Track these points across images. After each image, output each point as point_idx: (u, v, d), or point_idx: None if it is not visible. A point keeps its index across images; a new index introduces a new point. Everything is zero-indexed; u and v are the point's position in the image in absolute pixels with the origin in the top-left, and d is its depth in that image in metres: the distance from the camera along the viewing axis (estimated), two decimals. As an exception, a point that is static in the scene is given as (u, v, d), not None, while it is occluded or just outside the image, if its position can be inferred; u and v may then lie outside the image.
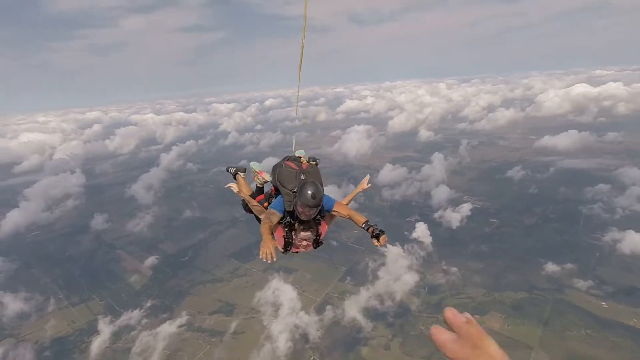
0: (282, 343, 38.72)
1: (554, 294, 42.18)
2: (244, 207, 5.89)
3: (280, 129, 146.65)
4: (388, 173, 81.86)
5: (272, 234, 4.71)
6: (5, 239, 66.68)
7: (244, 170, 6.40)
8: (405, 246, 53.29)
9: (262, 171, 5.95)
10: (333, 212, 5.06)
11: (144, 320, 43.96)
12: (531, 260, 48.50)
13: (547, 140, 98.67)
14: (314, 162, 5.55)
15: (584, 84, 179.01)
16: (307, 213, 4.54)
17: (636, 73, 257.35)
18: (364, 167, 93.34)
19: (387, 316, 41.91)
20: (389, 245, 50.96)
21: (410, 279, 46.85)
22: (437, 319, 38.64)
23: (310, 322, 41.28)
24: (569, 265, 45.97)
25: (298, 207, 4.55)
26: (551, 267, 46.20)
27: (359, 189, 5.86)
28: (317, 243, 4.97)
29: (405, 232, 57.10)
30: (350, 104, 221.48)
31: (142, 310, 45.52)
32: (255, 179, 5.98)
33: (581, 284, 43.11)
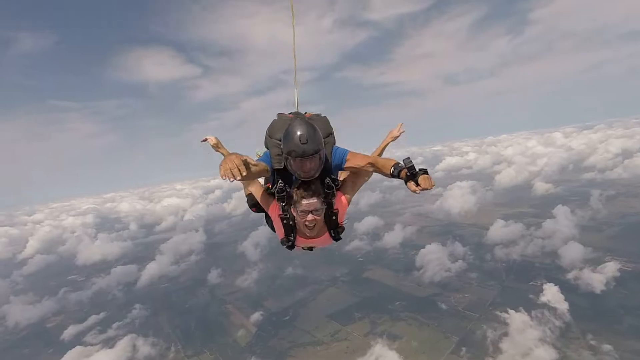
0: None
1: None
2: (248, 202, 4.26)
3: (379, 189, 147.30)
4: (500, 230, 72.95)
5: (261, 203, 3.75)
6: (143, 287, 78.38)
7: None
8: (533, 312, 44.73)
9: None
10: (348, 168, 3.52)
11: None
12: None
13: None
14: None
15: None
16: (304, 167, 3.16)
17: None
18: (471, 224, 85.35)
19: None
20: (511, 312, 43.32)
21: (546, 355, 38.19)
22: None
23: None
24: None
25: (290, 161, 3.18)
26: None
27: (389, 138, 4.45)
28: (333, 225, 3.54)
29: (531, 296, 48.36)
30: (450, 161, 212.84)
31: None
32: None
33: None
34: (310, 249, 3.87)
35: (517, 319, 43.44)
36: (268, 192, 3.66)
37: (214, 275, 77.14)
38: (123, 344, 54.06)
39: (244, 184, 4.07)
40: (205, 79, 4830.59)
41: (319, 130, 3.20)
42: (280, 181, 3.46)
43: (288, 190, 3.41)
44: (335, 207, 3.49)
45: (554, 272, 56.06)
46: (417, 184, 2.80)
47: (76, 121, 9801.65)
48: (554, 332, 41.77)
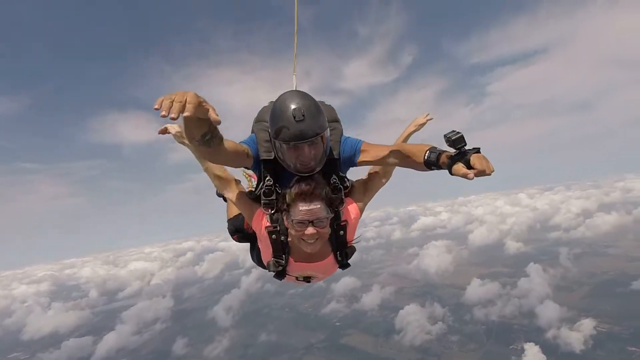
0: None
1: None
2: (229, 227, 3.28)
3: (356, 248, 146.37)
4: (477, 289, 72.95)
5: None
6: (98, 363, 70.26)
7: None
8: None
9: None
10: (363, 162, 2.50)
11: None
12: None
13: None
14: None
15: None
16: (302, 156, 2.17)
17: None
18: (448, 284, 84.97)
19: None
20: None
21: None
22: None
23: None
24: None
25: (281, 148, 2.19)
26: None
27: (412, 126, 3.40)
28: (340, 244, 2.49)
29: (513, 358, 47.00)
30: (425, 221, 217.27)
31: None
32: (249, 184, 3.24)
33: None
34: (308, 279, 2.66)
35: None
36: (251, 197, 2.55)
37: (179, 346, 70.51)
38: None
39: (214, 179, 2.78)
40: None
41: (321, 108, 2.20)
42: (268, 178, 2.38)
43: (279, 190, 2.36)
44: (343, 218, 2.44)
45: (533, 332, 55.64)
46: (469, 167, 1.74)
47: (42, 183, 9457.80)
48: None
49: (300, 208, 2.14)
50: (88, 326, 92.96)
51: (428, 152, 2.04)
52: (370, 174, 2.84)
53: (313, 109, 2.10)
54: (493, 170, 1.71)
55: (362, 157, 2.47)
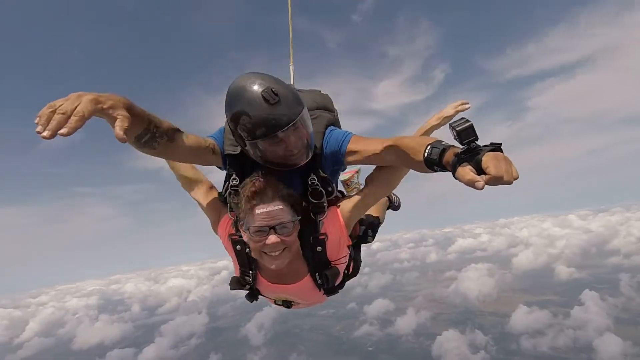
0: None
1: None
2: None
3: (389, 270, 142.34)
4: (524, 317, 67.44)
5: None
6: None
7: None
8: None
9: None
10: (351, 160, 1.91)
11: None
12: None
13: None
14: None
15: None
16: (281, 149, 1.67)
17: None
18: (491, 312, 79.39)
19: None
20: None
21: None
22: None
23: None
24: None
25: (254, 144, 1.66)
26: None
27: (435, 119, 2.62)
28: (318, 264, 1.93)
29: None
30: (462, 243, 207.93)
31: None
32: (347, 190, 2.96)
33: None
34: (288, 304, 2.16)
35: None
36: (222, 200, 2.06)
37: (213, 361, 71.49)
38: None
39: (178, 177, 2.29)
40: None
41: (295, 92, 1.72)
42: (233, 177, 1.88)
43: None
44: (322, 230, 1.88)
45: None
46: (481, 171, 1.18)
47: (94, 205, 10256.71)
48: None
49: (257, 211, 1.62)
50: (130, 339, 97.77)
51: (429, 147, 1.44)
52: (366, 181, 2.07)
53: (282, 89, 1.58)
54: (516, 177, 1.13)
55: (349, 154, 1.88)
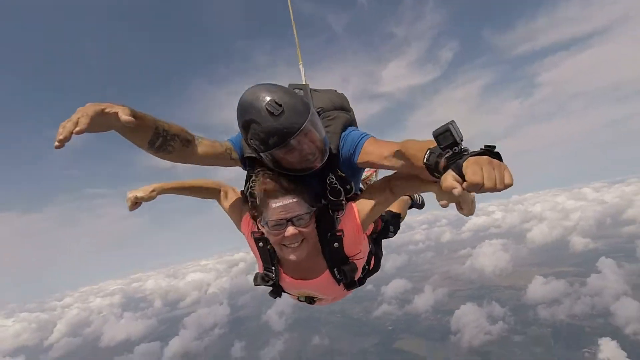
0: None
1: None
2: None
3: (404, 252, 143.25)
4: (540, 287, 67.96)
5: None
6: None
7: None
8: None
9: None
10: (362, 163, 1.93)
11: None
12: None
13: None
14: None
15: None
16: (293, 157, 1.71)
17: None
18: (507, 285, 79.84)
19: None
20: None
21: None
22: None
23: None
24: None
25: (277, 155, 1.72)
26: None
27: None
28: (335, 259, 1.98)
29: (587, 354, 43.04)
30: (476, 221, 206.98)
31: None
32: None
33: None
34: (311, 300, 2.24)
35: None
36: (243, 199, 2.13)
37: (237, 349, 73.69)
38: None
39: (199, 192, 2.39)
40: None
41: (301, 97, 1.74)
42: (253, 178, 1.94)
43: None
44: (339, 227, 1.95)
45: (609, 331, 50.52)
46: (461, 178, 1.14)
47: (110, 205, 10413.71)
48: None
49: (273, 206, 1.74)
50: (155, 333, 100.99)
51: (428, 152, 1.40)
52: (365, 160, 1.97)
53: (288, 98, 1.62)
54: (507, 184, 1.05)
55: (362, 157, 1.90)
